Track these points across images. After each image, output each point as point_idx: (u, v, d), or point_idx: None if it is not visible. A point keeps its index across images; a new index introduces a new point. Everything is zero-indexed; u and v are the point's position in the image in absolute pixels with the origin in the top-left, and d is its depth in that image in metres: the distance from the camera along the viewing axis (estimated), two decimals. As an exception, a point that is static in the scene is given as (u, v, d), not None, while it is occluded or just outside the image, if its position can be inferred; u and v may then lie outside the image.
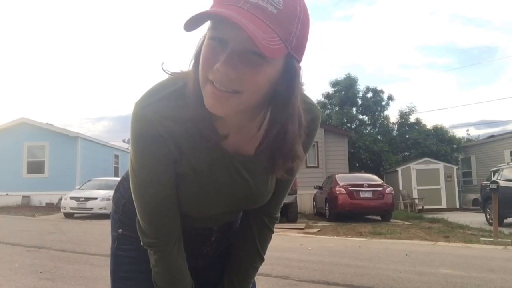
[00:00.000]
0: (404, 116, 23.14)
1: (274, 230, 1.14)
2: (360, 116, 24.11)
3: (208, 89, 0.73)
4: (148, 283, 0.97)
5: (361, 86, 23.76)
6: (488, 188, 9.67)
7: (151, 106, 0.81)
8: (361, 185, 11.48)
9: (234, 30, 0.66)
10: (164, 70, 0.84)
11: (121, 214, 1.07)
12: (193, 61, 0.79)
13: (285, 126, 0.79)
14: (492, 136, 20.22)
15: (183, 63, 0.83)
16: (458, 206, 17.41)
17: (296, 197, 10.78)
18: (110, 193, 13.29)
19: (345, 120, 23.38)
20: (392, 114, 36.30)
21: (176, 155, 0.85)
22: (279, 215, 1.12)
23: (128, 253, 1.04)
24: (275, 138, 0.81)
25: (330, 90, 24.07)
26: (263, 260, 1.13)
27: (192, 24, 0.66)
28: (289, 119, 0.79)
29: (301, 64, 0.76)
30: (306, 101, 0.90)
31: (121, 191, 1.09)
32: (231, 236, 1.13)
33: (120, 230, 1.07)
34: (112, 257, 1.09)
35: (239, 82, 0.70)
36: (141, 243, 0.94)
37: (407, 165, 18.01)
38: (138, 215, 0.92)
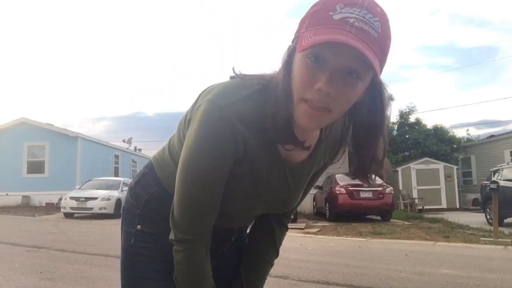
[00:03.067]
0: (404, 116, 23.13)
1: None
2: (360, 116, 24.09)
3: (302, 107, 0.76)
4: (165, 282, 0.95)
5: (361, 86, 23.74)
6: (488, 188, 9.67)
7: (230, 106, 0.81)
8: (361, 185, 11.46)
9: (338, 50, 0.70)
10: (235, 72, 0.87)
11: (142, 209, 1.03)
12: (283, 72, 0.80)
13: (376, 143, 0.86)
14: (492, 136, 20.22)
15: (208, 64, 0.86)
16: (458, 206, 17.41)
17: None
18: (110, 193, 13.32)
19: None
20: (392, 114, 36.19)
21: (240, 156, 0.86)
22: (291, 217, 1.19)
23: (145, 251, 1.00)
24: (366, 153, 0.88)
25: (330, 90, 24.03)
26: (278, 255, 1.17)
27: (308, 47, 0.70)
28: (381, 137, 0.86)
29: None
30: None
31: (143, 186, 1.05)
32: (243, 236, 1.16)
33: (139, 226, 1.02)
34: (126, 254, 1.04)
35: (334, 100, 0.74)
36: (170, 237, 0.92)
37: (407, 165, 18.01)
38: (176, 209, 0.90)
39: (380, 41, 0.72)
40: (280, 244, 1.16)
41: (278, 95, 0.80)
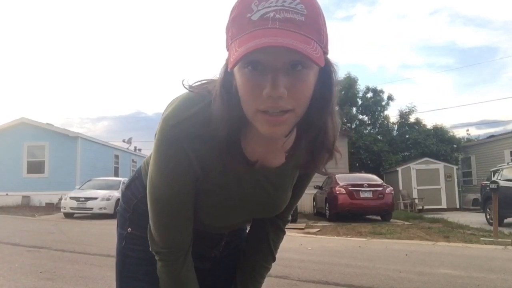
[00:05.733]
0: (404, 116, 23.14)
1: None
2: (360, 116, 24.12)
3: (261, 118, 0.71)
4: (156, 285, 0.96)
5: (361, 86, 23.80)
6: (488, 188, 9.67)
7: (180, 125, 0.79)
8: (361, 185, 11.48)
9: (270, 52, 0.65)
10: (184, 86, 0.83)
11: (132, 213, 1.05)
12: (218, 89, 0.76)
13: (326, 125, 0.80)
14: (492, 136, 20.21)
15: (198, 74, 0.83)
16: (458, 206, 17.41)
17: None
18: (110, 193, 13.32)
19: (345, 120, 23.37)
20: (392, 114, 36.30)
21: (199, 174, 0.85)
22: (291, 217, 1.15)
23: (136, 253, 1.03)
24: (316, 139, 0.82)
25: (330, 90, 24.03)
26: (274, 260, 1.15)
27: (235, 63, 0.66)
28: (329, 117, 0.80)
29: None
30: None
31: (132, 190, 1.07)
32: (238, 238, 1.15)
33: (130, 229, 1.05)
34: (119, 256, 1.07)
35: (291, 99, 0.69)
36: (150, 248, 0.94)
37: (407, 165, 18.01)
38: (150, 222, 0.91)
39: (309, 22, 0.68)
40: (276, 248, 1.14)
41: (216, 118, 0.77)
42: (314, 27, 0.69)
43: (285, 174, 0.93)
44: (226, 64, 0.73)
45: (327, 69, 0.74)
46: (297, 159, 0.90)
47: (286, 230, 1.15)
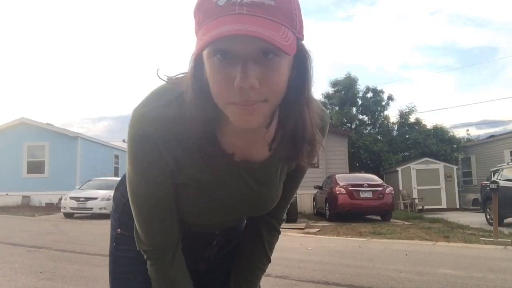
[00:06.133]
0: (404, 116, 23.15)
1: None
2: (360, 116, 24.12)
3: (232, 109, 0.68)
4: (147, 284, 0.95)
5: (361, 86, 23.80)
6: (488, 188, 9.67)
7: (148, 114, 0.77)
8: (361, 185, 11.48)
9: (238, 39, 0.61)
10: (159, 76, 0.79)
11: (121, 213, 1.05)
12: (190, 81, 0.72)
13: (303, 114, 0.76)
14: (492, 136, 20.22)
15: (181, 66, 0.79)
16: (458, 206, 17.41)
17: (296, 197, 10.79)
18: (110, 193, 13.28)
19: (345, 120, 23.39)
20: (392, 114, 36.28)
21: (174, 168, 0.82)
22: (286, 216, 1.11)
23: (127, 253, 1.01)
24: (295, 130, 0.77)
25: (330, 90, 24.10)
26: (269, 261, 1.11)
27: (200, 51, 0.64)
28: (305, 106, 0.75)
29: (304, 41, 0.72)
30: (319, 106, 0.88)
31: (121, 190, 1.06)
32: (235, 239, 1.12)
33: (119, 229, 1.04)
34: (110, 256, 1.07)
35: (263, 90, 0.65)
36: (137, 247, 0.92)
37: (407, 165, 18.01)
38: (134, 221, 0.89)
39: (280, 6, 0.64)
40: (271, 249, 1.10)
41: (188, 109, 0.73)
42: (286, 12, 0.65)
43: (269, 169, 0.88)
44: (194, 52, 0.70)
45: (301, 56, 0.70)
46: (280, 153, 0.84)
47: (287, 230, 1.15)
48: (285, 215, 1.10)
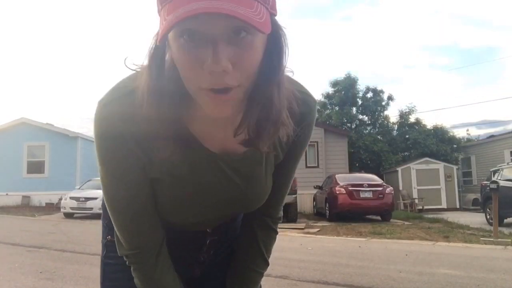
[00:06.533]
0: (404, 116, 23.15)
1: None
2: (360, 116, 24.12)
3: (203, 96, 0.63)
4: None
5: (361, 86, 23.80)
6: (488, 188, 9.67)
7: (111, 104, 0.72)
8: (361, 185, 11.48)
9: (207, 18, 0.56)
10: (127, 67, 0.72)
11: (109, 220, 0.92)
12: (148, 65, 0.67)
13: (271, 97, 0.69)
14: (492, 136, 20.22)
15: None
16: (458, 206, 17.41)
17: (296, 197, 10.79)
18: (110, 193, 13.32)
19: (345, 120, 23.39)
20: (392, 114, 36.29)
21: (144, 159, 0.75)
22: (282, 215, 1.03)
23: (117, 260, 0.92)
24: (260, 112, 0.70)
25: (330, 90, 24.10)
26: (267, 264, 1.02)
27: (164, 34, 0.58)
28: (275, 88, 0.69)
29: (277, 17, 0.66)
30: (301, 90, 0.81)
31: None
32: (230, 240, 1.03)
33: (109, 236, 0.97)
34: (101, 266, 1.01)
35: (237, 73, 0.60)
36: (118, 253, 0.86)
37: (407, 165, 18.01)
38: (113, 224, 0.83)
39: None
40: (268, 250, 1.00)
41: (144, 96, 0.67)
42: None
43: (252, 161, 0.81)
44: (157, 34, 0.63)
45: (275, 34, 0.65)
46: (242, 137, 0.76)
47: (287, 230, 1.10)
48: (281, 213, 1.02)
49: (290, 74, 0.76)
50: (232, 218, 1.00)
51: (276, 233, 1.02)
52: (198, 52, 0.59)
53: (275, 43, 0.66)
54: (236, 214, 0.98)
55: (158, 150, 0.73)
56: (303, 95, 0.81)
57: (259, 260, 1.00)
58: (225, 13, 0.54)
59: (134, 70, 0.72)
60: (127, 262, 0.86)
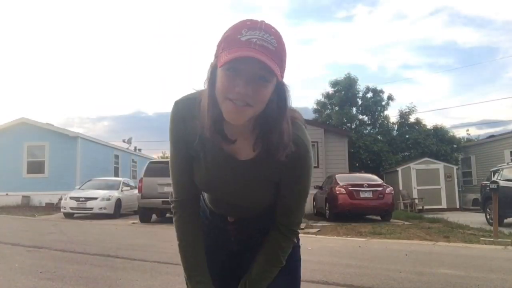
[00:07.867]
0: (404, 116, 23.15)
1: (295, 240, 1.26)
2: (360, 116, 24.10)
3: (227, 105, 0.97)
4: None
5: (361, 86, 23.79)
6: (488, 188, 9.67)
7: (181, 101, 1.15)
8: (361, 185, 11.48)
9: (248, 63, 0.93)
10: (193, 89, 1.17)
11: None
12: (207, 85, 1.04)
13: (281, 128, 1.04)
14: (492, 136, 20.23)
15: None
16: (458, 206, 17.42)
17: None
18: (110, 193, 13.33)
19: (345, 120, 23.37)
20: (392, 114, 36.23)
21: (191, 139, 1.12)
22: (299, 229, 1.26)
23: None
24: (272, 138, 1.05)
25: (330, 90, 24.08)
26: (269, 261, 1.22)
27: (225, 62, 0.94)
28: (284, 120, 1.05)
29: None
30: (295, 133, 1.09)
31: None
32: (250, 232, 1.31)
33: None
34: None
35: (252, 98, 0.96)
36: (169, 200, 1.26)
37: (407, 165, 18.02)
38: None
39: (277, 53, 0.97)
40: (284, 254, 1.22)
41: (204, 101, 1.06)
42: (279, 57, 0.98)
43: (253, 170, 1.13)
44: (212, 68, 1.03)
45: (281, 87, 1.03)
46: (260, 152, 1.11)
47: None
48: (295, 227, 1.23)
49: (288, 88, 1.07)
50: (246, 214, 1.26)
51: (288, 238, 1.22)
52: (235, 79, 0.96)
53: (281, 91, 1.04)
54: (244, 210, 1.24)
55: (202, 136, 1.09)
56: (295, 137, 1.09)
57: (272, 261, 1.23)
58: (262, 60, 0.92)
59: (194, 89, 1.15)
60: (171, 206, 1.24)
